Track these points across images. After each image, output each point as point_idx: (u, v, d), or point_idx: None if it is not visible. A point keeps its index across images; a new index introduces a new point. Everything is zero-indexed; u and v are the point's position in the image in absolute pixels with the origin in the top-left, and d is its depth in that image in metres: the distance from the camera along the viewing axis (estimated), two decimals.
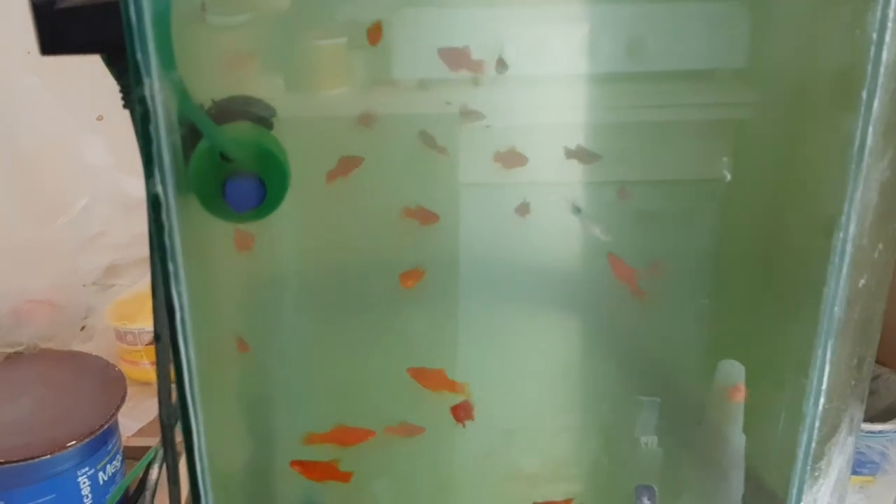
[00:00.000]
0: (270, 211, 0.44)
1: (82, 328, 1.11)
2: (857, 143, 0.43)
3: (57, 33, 0.48)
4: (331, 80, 0.55)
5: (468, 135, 0.56)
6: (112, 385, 0.81)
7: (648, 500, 0.50)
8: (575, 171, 0.57)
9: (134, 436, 0.91)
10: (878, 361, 0.77)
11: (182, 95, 0.38)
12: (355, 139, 0.55)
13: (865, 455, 0.70)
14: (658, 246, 0.56)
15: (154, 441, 0.86)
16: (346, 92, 0.54)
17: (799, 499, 0.50)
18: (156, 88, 0.36)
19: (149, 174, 0.37)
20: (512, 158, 0.57)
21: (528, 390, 0.62)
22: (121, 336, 1.00)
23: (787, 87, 0.48)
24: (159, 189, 0.37)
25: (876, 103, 0.42)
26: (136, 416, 0.93)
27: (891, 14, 0.40)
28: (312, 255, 0.59)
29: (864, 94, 0.42)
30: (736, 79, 0.52)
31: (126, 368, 0.92)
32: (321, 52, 0.54)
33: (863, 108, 0.42)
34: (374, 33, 0.51)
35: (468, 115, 0.55)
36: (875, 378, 0.76)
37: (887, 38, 0.41)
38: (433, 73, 0.53)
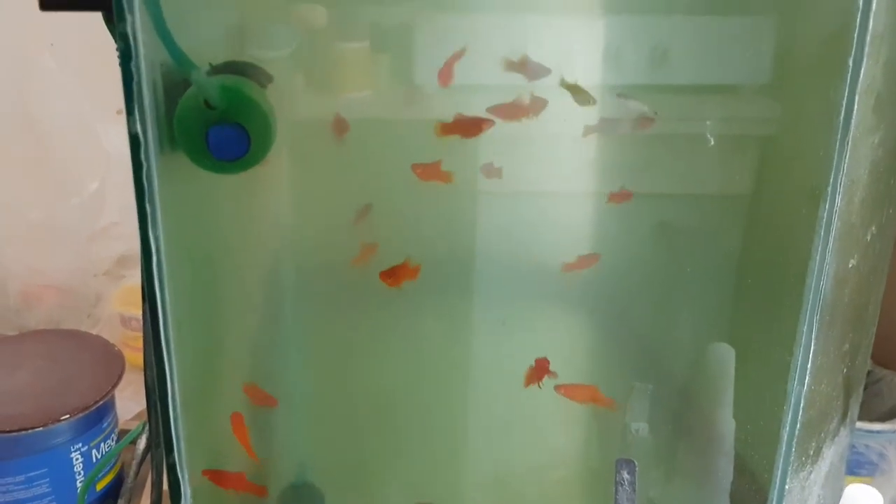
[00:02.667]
0: (254, 163, 0.44)
1: (89, 316, 1.12)
2: (842, 111, 0.42)
3: None
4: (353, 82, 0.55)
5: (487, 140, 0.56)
6: (111, 362, 0.81)
7: (628, 473, 0.49)
8: (592, 181, 0.56)
9: (132, 419, 0.91)
10: (881, 364, 0.77)
11: (164, 34, 0.38)
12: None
13: (864, 455, 0.69)
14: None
15: None
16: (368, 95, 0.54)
17: (783, 481, 0.49)
18: (137, 25, 0.36)
19: (129, 112, 0.38)
20: (530, 164, 0.57)
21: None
22: (125, 321, 1.01)
23: (777, 57, 0.47)
24: (139, 128, 0.38)
25: (862, 72, 0.42)
26: (138, 400, 0.93)
27: None
28: (304, 231, 0.59)
29: (851, 62, 0.41)
30: (758, 93, 0.51)
31: (129, 355, 0.92)
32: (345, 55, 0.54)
33: (849, 77, 0.42)
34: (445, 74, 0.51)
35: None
36: (878, 380, 0.75)
37: (874, 5, 0.40)
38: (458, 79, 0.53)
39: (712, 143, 0.46)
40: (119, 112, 1.25)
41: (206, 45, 0.46)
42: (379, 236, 0.56)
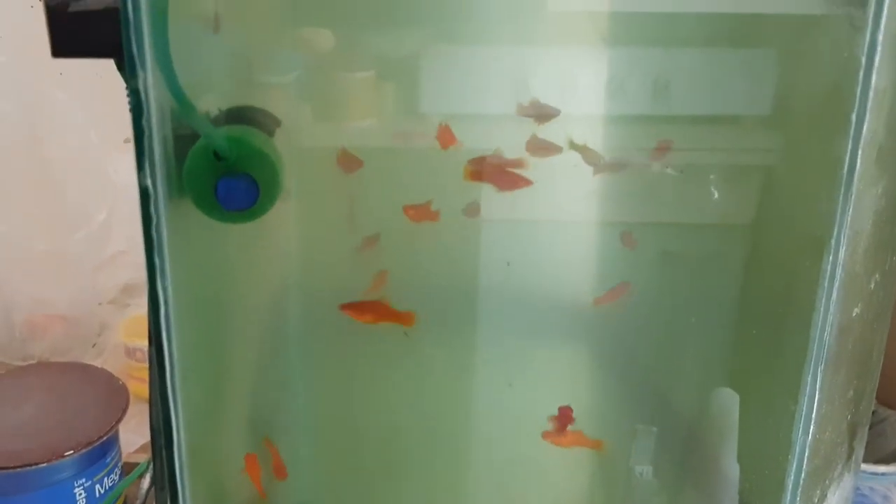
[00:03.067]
0: (262, 213, 0.44)
1: (94, 345, 1.12)
2: (846, 165, 0.42)
3: (69, 36, 0.50)
4: (358, 111, 0.55)
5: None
6: (115, 396, 0.81)
7: None
8: (595, 210, 0.57)
9: (136, 451, 0.91)
10: (884, 404, 0.77)
11: (177, 92, 0.39)
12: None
13: (868, 498, 0.69)
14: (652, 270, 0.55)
15: None
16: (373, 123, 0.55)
17: None
18: (149, 82, 0.37)
19: (140, 167, 0.38)
20: (534, 194, 0.57)
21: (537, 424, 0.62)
22: (130, 353, 1.01)
23: (781, 112, 0.48)
24: (149, 182, 0.38)
25: (865, 127, 0.42)
26: (141, 433, 0.93)
27: (880, 38, 0.41)
28: (312, 272, 0.59)
29: (854, 117, 0.42)
30: (760, 124, 0.52)
31: (133, 385, 0.93)
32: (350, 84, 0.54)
33: (852, 131, 0.42)
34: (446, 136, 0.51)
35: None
36: (882, 421, 0.75)
37: (876, 61, 0.41)
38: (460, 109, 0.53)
39: (716, 196, 0.46)
40: (126, 141, 1.26)
41: (212, 75, 0.46)
42: (386, 266, 0.56)
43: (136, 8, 0.36)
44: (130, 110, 0.40)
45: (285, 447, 0.57)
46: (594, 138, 0.54)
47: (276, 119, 0.51)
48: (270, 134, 0.50)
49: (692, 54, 0.50)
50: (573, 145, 0.50)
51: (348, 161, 0.51)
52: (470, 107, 0.52)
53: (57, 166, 1.10)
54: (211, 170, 0.43)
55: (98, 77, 1.22)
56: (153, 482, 0.63)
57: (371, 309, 0.53)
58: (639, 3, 0.48)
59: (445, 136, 0.50)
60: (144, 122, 0.37)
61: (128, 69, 0.37)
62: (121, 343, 1.04)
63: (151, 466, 0.66)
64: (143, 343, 1.00)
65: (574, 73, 0.53)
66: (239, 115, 0.49)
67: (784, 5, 0.44)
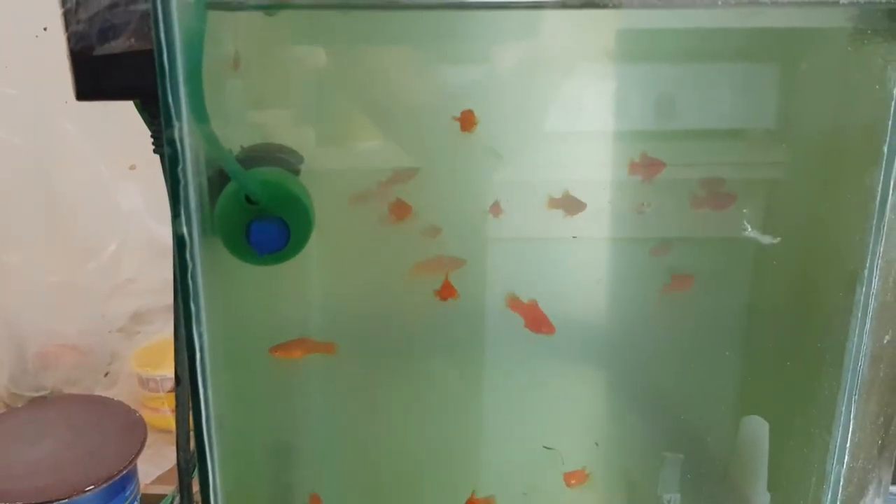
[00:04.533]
0: (293, 254, 0.44)
1: (106, 374, 1.12)
2: (878, 197, 0.42)
3: (94, 79, 0.50)
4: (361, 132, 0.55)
5: (498, 189, 0.57)
6: (133, 430, 0.81)
7: None
8: (605, 227, 0.57)
9: (152, 483, 0.91)
10: None
11: (210, 139, 0.39)
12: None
13: None
14: (685, 299, 0.55)
15: (171, 489, 0.86)
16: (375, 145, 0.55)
17: None
18: (185, 131, 0.37)
19: (175, 214, 0.38)
20: (544, 213, 0.57)
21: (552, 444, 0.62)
22: (143, 383, 1.00)
23: (816, 147, 0.48)
24: (184, 230, 0.38)
25: None
26: (156, 463, 0.93)
27: None
28: (338, 305, 0.59)
29: (885, 149, 0.42)
30: (766, 138, 0.52)
31: (147, 415, 0.92)
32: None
33: (884, 163, 0.42)
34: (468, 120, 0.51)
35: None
36: None
37: None
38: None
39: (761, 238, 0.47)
40: (132, 168, 1.26)
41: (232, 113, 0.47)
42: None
43: (172, 59, 0.36)
44: (162, 161, 0.40)
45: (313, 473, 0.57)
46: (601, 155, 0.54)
47: (299, 155, 0.51)
48: (296, 172, 0.50)
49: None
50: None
51: (400, 209, 0.52)
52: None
53: (67, 198, 1.10)
54: (243, 213, 0.43)
55: (104, 107, 1.23)
56: None
57: (297, 346, 0.54)
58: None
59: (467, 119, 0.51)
60: (180, 172, 0.37)
61: (163, 120, 0.37)
62: (133, 372, 1.04)
63: (177, 501, 0.66)
64: (157, 373, 1.00)
65: (579, 91, 0.54)
66: (262, 153, 0.49)
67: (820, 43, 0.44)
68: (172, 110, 0.37)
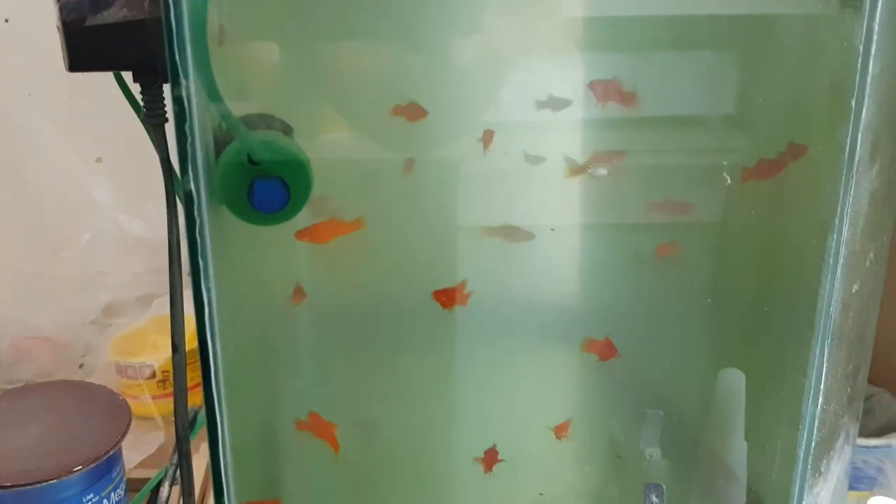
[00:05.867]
0: (293, 214, 0.46)
1: (81, 366, 1.12)
2: (847, 150, 0.45)
3: (86, 50, 0.50)
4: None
5: (469, 179, 0.58)
6: (117, 413, 0.81)
7: (657, 497, 0.51)
8: (573, 214, 0.59)
9: (135, 468, 0.91)
10: (872, 382, 0.80)
11: (215, 97, 0.40)
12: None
13: (862, 470, 0.72)
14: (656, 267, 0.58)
15: (155, 473, 0.87)
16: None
17: (801, 498, 0.52)
18: (192, 89, 0.38)
19: (183, 171, 0.39)
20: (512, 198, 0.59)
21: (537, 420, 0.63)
22: (122, 370, 1.01)
23: (790, 105, 0.50)
24: (192, 186, 0.39)
25: (864, 112, 0.45)
26: (138, 449, 0.93)
27: (876, 27, 0.43)
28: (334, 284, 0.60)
29: (853, 104, 0.45)
30: (727, 123, 0.55)
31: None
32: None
33: (852, 117, 0.45)
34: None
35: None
36: (870, 397, 0.78)
37: (873, 49, 0.44)
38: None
39: (728, 181, 0.49)
40: (98, 160, 1.26)
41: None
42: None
43: (179, 20, 0.37)
44: (152, 133, 0.41)
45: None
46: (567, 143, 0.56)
47: (287, 125, 0.52)
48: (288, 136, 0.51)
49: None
50: None
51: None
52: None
53: (39, 189, 1.10)
54: (244, 174, 0.44)
55: (69, 98, 1.23)
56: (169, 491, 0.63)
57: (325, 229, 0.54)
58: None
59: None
60: (188, 128, 0.39)
61: (171, 78, 0.38)
62: (109, 362, 1.04)
63: (170, 474, 0.67)
64: (135, 360, 1.00)
65: (547, 79, 0.56)
66: (253, 123, 0.50)
67: (788, 6, 0.47)
68: (180, 69, 0.38)
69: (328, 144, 0.53)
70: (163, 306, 1.10)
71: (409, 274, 0.60)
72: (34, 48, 1.09)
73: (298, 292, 0.52)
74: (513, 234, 0.58)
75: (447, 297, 0.55)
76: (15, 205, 1.10)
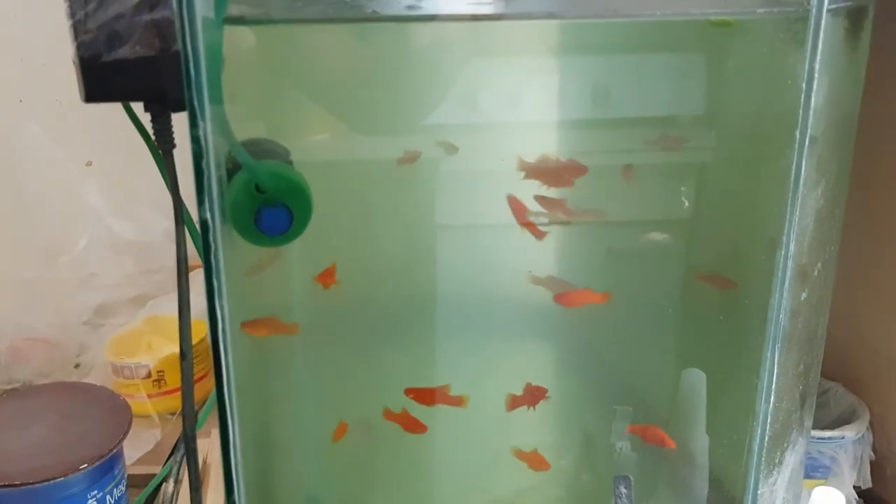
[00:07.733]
0: (294, 237, 0.50)
1: (77, 366, 1.15)
2: (792, 174, 0.50)
3: (101, 84, 0.55)
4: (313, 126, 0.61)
5: (445, 178, 0.63)
6: (118, 413, 0.85)
7: (625, 488, 0.56)
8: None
9: (134, 464, 0.95)
10: (827, 377, 0.85)
11: (230, 137, 0.45)
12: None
13: (818, 460, 0.77)
14: (626, 270, 0.63)
15: (154, 469, 0.91)
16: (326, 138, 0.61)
17: (756, 487, 0.57)
18: (208, 130, 0.43)
19: (200, 202, 0.44)
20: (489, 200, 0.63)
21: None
22: (118, 370, 1.04)
23: (740, 133, 0.56)
24: (208, 215, 0.44)
25: (807, 142, 0.50)
26: (136, 446, 0.97)
27: (817, 66, 0.49)
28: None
29: (798, 134, 0.50)
30: (694, 124, 0.60)
31: None
32: None
33: (797, 146, 0.50)
34: None
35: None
36: (825, 392, 0.84)
37: (815, 86, 0.49)
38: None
39: (686, 205, 0.54)
40: (88, 164, 1.30)
41: None
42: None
43: (197, 68, 0.41)
44: (161, 161, 0.46)
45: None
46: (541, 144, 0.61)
47: (284, 148, 0.57)
48: (289, 164, 0.55)
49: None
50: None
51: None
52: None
53: (32, 194, 1.13)
54: (252, 201, 0.49)
55: (60, 104, 1.25)
56: (176, 488, 0.68)
57: (264, 325, 0.59)
58: None
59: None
60: (205, 165, 0.43)
61: (189, 120, 0.42)
62: (105, 362, 1.07)
63: (174, 471, 0.71)
64: (131, 360, 1.04)
65: (523, 82, 0.60)
66: (255, 148, 0.55)
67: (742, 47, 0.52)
68: (198, 112, 0.42)
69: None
70: (156, 307, 1.15)
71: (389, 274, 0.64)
72: (24, 55, 1.13)
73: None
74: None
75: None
76: (7, 210, 1.14)
